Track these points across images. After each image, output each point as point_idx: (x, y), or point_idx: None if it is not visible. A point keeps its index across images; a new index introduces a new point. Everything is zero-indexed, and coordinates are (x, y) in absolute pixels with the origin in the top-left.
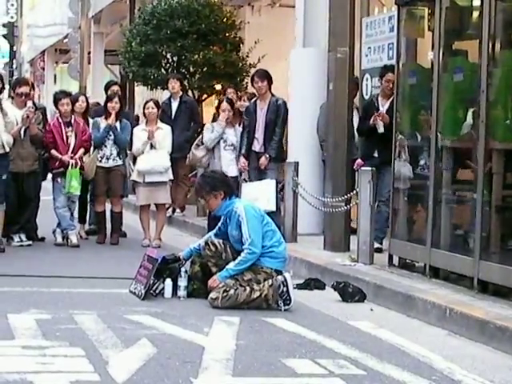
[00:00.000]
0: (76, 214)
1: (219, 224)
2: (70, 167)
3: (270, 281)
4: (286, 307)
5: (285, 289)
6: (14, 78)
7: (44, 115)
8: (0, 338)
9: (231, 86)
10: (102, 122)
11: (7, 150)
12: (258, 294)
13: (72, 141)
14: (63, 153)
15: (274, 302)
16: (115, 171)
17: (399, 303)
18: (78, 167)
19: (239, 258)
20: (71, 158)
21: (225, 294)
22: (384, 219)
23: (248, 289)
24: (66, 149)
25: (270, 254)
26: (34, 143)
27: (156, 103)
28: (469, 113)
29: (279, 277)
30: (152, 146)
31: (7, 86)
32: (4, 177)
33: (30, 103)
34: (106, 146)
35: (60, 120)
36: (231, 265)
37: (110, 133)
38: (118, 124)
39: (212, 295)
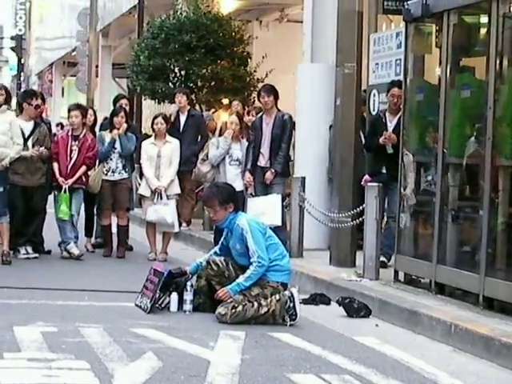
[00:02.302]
0: (81, 227)
1: (222, 239)
2: (61, 191)
3: (278, 296)
4: (292, 322)
5: (291, 304)
6: (22, 90)
7: (49, 130)
8: (6, 350)
9: (236, 99)
10: (107, 136)
11: (5, 163)
12: (265, 309)
13: (75, 155)
14: (63, 166)
15: (280, 318)
16: (121, 184)
17: (404, 319)
18: (68, 193)
19: (249, 272)
20: (64, 181)
21: (233, 310)
22: (393, 235)
23: (256, 304)
24: (67, 163)
25: (275, 268)
26: (42, 158)
27: (164, 118)
28: (475, 129)
29: (286, 292)
30: (158, 168)
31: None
32: (1, 189)
33: (38, 148)
34: (111, 160)
35: (69, 133)
36: (241, 279)
37: (116, 146)
38: (123, 136)
39: (220, 311)
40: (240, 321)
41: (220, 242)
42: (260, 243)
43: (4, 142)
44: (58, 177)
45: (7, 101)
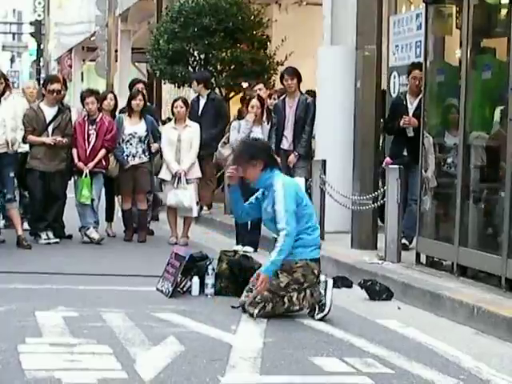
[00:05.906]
0: (101, 211)
1: (256, 195)
2: (82, 175)
3: (309, 291)
4: (321, 315)
5: (323, 292)
6: (42, 75)
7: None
8: (28, 335)
9: (259, 82)
10: (125, 120)
11: (15, 148)
12: (296, 307)
13: (93, 139)
14: (81, 151)
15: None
16: (141, 168)
17: (427, 302)
18: (89, 177)
19: (279, 245)
20: (85, 165)
21: (262, 310)
22: (415, 218)
23: (287, 302)
24: (85, 147)
25: (302, 242)
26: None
27: (184, 101)
28: (496, 110)
29: (322, 277)
30: (178, 151)
31: (28, 84)
32: (11, 174)
33: (56, 138)
34: (131, 144)
35: (85, 118)
36: (274, 255)
37: (136, 131)
38: (142, 122)
39: (249, 309)
40: (267, 316)
41: (251, 199)
42: (289, 210)
43: (14, 126)
44: (76, 162)
45: (5, 90)
